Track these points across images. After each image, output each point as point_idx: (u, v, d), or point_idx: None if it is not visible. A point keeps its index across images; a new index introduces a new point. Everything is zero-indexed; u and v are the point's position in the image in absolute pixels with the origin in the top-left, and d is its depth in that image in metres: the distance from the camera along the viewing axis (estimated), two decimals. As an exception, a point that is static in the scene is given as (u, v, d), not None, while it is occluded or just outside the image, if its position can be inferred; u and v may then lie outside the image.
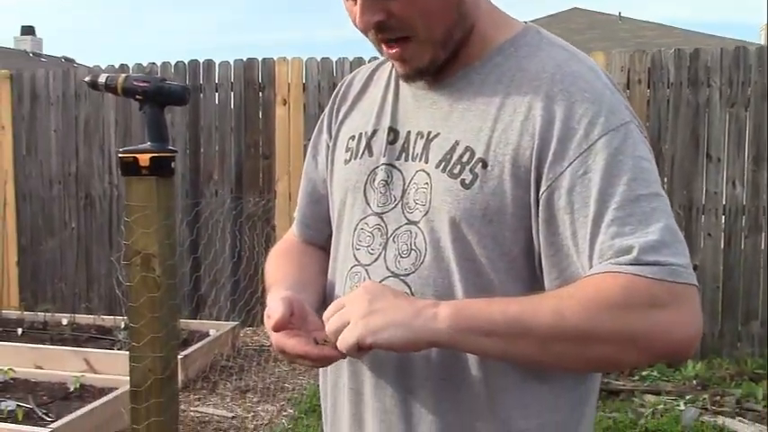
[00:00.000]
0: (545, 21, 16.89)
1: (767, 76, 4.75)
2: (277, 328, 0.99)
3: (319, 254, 1.24)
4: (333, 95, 1.24)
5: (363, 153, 1.12)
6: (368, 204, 1.09)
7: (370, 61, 6.02)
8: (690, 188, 4.82)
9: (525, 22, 1.10)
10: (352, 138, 1.15)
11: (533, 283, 0.98)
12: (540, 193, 0.96)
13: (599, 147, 0.94)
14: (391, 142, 1.09)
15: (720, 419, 3.79)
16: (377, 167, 1.09)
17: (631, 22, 18.01)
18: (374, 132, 1.12)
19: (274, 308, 1.00)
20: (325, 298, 1.16)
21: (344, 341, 0.92)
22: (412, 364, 1.02)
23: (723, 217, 4.83)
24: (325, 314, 0.97)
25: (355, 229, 1.10)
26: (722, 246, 4.82)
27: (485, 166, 0.99)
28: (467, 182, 0.99)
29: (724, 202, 4.83)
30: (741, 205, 4.82)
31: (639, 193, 0.93)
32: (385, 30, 1.00)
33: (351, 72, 1.27)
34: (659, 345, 0.90)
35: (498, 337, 0.89)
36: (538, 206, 0.97)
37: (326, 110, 1.24)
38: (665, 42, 12.81)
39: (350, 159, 1.14)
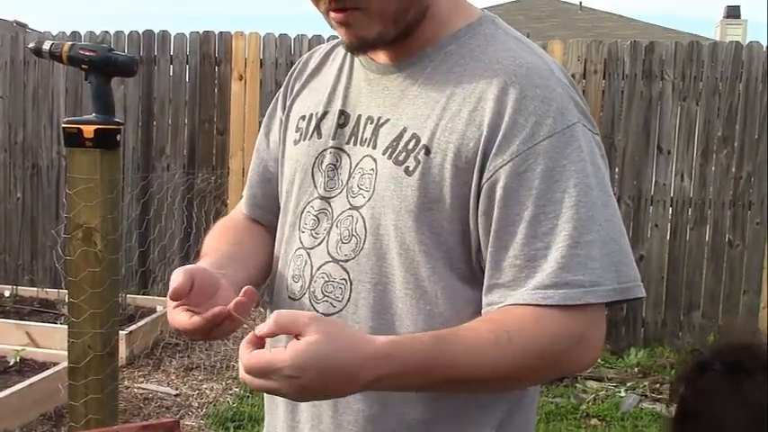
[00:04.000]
0: (508, 6, 16.96)
1: (719, 72, 4.84)
2: (173, 297, 0.96)
3: (261, 232, 1.22)
4: (288, 73, 1.22)
5: (312, 134, 1.11)
6: (315, 187, 1.08)
7: (329, 39, 5.89)
8: (639, 179, 4.90)
9: (482, 10, 1.08)
10: (303, 118, 1.14)
11: (469, 273, 0.99)
12: (482, 183, 0.96)
13: (542, 148, 0.94)
14: (341, 125, 1.08)
15: (659, 406, 3.88)
16: (325, 150, 1.08)
17: (592, 13, 18.18)
18: (324, 114, 1.10)
19: (173, 278, 0.97)
20: (260, 274, 1.16)
21: (257, 386, 0.86)
22: None
23: (670, 209, 4.93)
24: (251, 361, 0.86)
25: (302, 212, 1.09)
26: (668, 237, 4.92)
27: (428, 152, 0.98)
28: (410, 169, 0.99)
29: (672, 194, 4.92)
30: (688, 197, 4.91)
31: (579, 199, 0.93)
32: None
33: (309, 50, 1.25)
34: (572, 370, 1.07)
35: (429, 386, 0.95)
36: (478, 198, 0.96)
37: (282, 87, 1.22)
38: (623, 34, 12.95)
39: (299, 140, 1.12)
